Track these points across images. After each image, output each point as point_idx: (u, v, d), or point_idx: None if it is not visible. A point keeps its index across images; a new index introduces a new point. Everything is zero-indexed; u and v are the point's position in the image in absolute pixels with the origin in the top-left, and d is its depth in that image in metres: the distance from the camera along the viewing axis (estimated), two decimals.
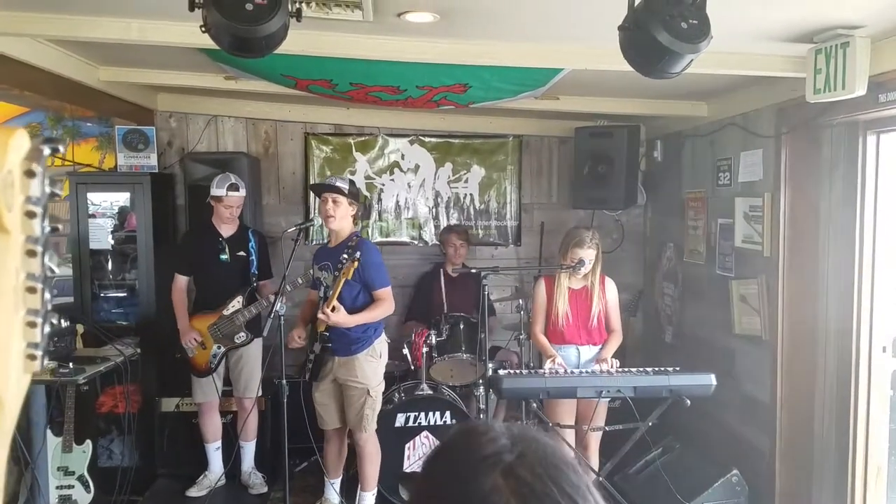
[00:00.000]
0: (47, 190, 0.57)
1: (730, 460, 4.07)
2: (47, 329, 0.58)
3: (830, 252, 3.67)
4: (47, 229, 0.57)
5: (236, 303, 4.21)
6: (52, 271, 0.58)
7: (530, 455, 0.76)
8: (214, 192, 4.21)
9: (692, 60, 2.18)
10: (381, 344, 3.85)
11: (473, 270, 4.11)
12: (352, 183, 3.80)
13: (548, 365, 3.73)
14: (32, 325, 0.57)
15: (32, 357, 0.57)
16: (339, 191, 3.68)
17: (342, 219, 3.74)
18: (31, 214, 0.56)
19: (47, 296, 0.58)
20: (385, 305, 3.73)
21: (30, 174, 0.55)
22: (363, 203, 5.33)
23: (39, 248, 0.56)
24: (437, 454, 0.85)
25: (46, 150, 0.56)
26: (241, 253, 4.31)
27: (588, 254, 3.76)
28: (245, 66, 3.69)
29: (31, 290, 0.56)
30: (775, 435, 3.86)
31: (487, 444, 0.78)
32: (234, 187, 4.20)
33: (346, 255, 3.61)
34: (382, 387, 3.90)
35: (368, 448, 3.88)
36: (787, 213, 3.78)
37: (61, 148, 0.58)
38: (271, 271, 4.47)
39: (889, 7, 2.56)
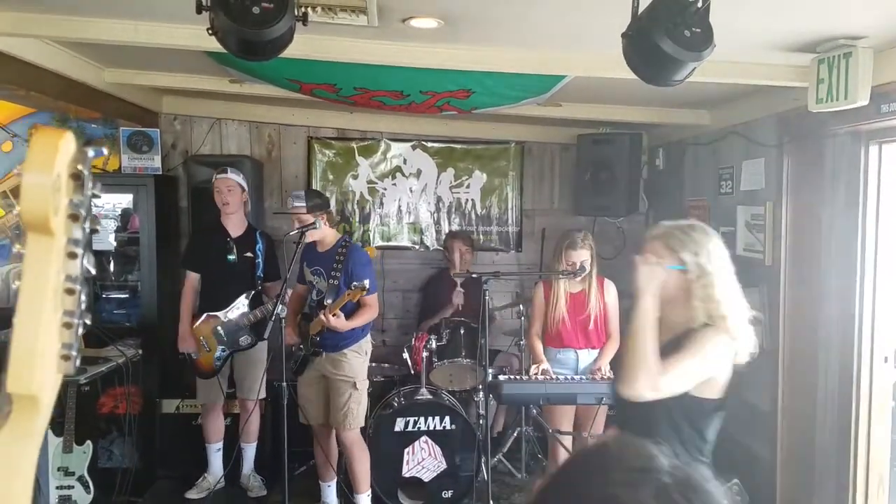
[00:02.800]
0: (89, 192, 0.58)
1: (731, 469, 4.07)
2: (81, 330, 0.58)
3: (832, 262, 3.67)
4: (88, 231, 0.58)
5: (241, 305, 4.22)
6: (90, 273, 0.58)
7: (687, 486, 0.72)
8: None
9: (695, 69, 2.19)
10: (367, 343, 3.98)
11: (475, 276, 4.12)
12: (311, 195, 3.86)
13: (532, 370, 3.74)
14: (68, 326, 0.57)
15: (66, 357, 0.57)
16: (298, 210, 3.79)
17: (317, 230, 3.83)
18: (74, 217, 0.56)
19: (83, 297, 0.58)
20: (372, 311, 3.88)
21: (76, 177, 0.56)
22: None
23: (80, 251, 0.57)
24: (589, 454, 0.82)
25: (91, 153, 0.57)
26: (249, 254, 4.31)
27: (581, 255, 3.76)
28: (250, 69, 3.71)
29: (70, 291, 0.57)
30: (776, 444, 3.86)
31: (645, 458, 0.76)
32: (222, 171, 4.25)
33: (338, 264, 3.76)
34: (367, 384, 3.95)
35: (355, 450, 3.89)
36: (789, 222, 3.79)
37: (104, 150, 0.59)
38: (279, 273, 4.45)
39: (892, 18, 2.57)
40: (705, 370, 1.98)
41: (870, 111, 3.02)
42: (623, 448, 0.79)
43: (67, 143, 0.55)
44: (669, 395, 1.95)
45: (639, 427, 2.15)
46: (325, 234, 3.86)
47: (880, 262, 3.46)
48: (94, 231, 0.59)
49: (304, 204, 3.79)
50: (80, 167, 0.56)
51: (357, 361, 3.87)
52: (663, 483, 0.71)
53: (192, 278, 4.33)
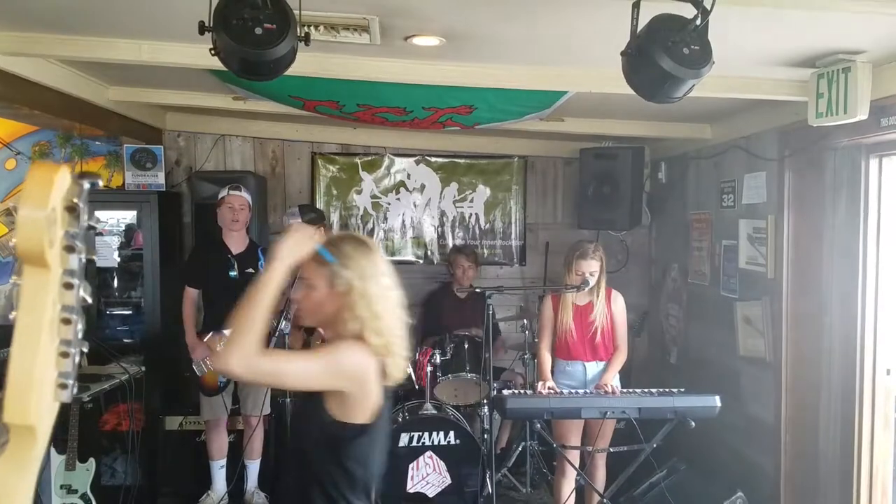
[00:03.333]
0: (85, 224, 0.59)
1: (735, 482, 4.05)
2: (78, 359, 0.59)
3: (834, 274, 3.67)
4: (84, 262, 0.59)
5: None
6: (86, 301, 0.59)
7: None
8: (219, 197, 4.27)
9: (694, 85, 2.20)
10: None
11: (478, 290, 4.12)
12: (305, 210, 3.88)
13: (538, 387, 3.74)
14: (65, 355, 0.58)
15: (63, 386, 0.58)
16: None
17: None
18: (69, 249, 0.57)
19: (80, 326, 0.59)
20: None
21: (71, 210, 0.57)
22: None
23: (76, 281, 0.58)
24: None
25: (86, 185, 0.58)
26: (250, 270, 4.29)
27: (591, 265, 3.75)
28: (253, 87, 3.74)
29: (66, 321, 0.58)
30: (780, 457, 3.85)
31: None
32: (235, 187, 4.25)
33: None
34: None
35: None
36: (791, 235, 3.79)
37: (100, 182, 0.60)
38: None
39: (890, 33, 2.59)
40: (333, 381, 1.83)
41: (870, 125, 3.03)
42: None
43: (62, 177, 0.56)
44: (261, 382, 1.77)
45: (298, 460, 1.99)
46: None
47: (882, 274, 3.46)
48: (90, 261, 0.60)
49: (300, 220, 3.80)
50: (75, 200, 0.57)
51: None
52: None
53: (191, 292, 4.33)
